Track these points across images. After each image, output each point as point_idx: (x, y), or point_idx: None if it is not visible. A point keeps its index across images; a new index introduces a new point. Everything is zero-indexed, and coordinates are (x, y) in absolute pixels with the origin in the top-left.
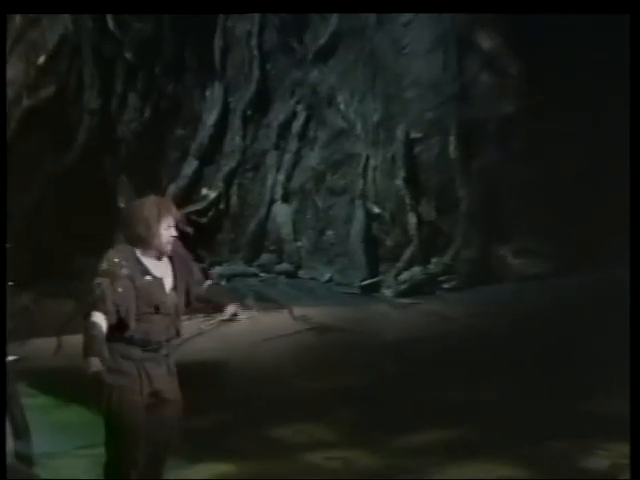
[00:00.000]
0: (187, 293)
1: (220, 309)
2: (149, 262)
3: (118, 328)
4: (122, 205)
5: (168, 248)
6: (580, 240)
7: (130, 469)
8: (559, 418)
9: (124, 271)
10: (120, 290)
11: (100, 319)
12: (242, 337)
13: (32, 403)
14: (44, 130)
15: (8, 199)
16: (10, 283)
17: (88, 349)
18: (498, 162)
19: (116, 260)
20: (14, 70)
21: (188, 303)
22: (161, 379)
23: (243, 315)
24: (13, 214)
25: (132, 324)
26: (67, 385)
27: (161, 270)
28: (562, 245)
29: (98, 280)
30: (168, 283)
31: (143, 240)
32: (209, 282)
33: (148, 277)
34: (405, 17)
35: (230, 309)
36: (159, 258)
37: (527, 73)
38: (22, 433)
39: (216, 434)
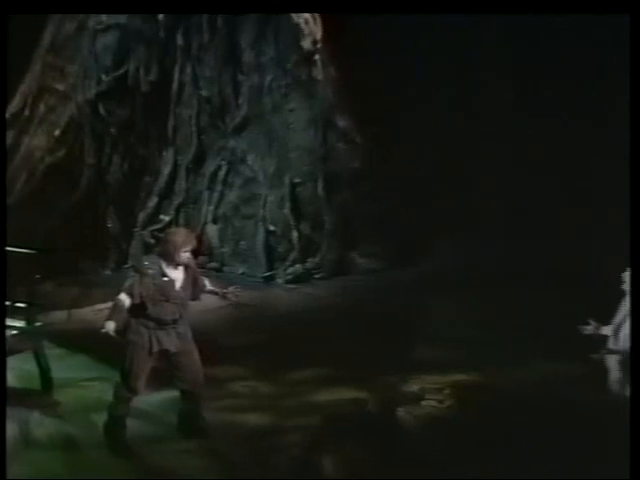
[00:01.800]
0: (192, 292)
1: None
2: (168, 269)
3: (141, 307)
4: (110, 225)
5: (184, 262)
6: (399, 247)
7: (130, 392)
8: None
9: (149, 271)
10: (145, 282)
11: (124, 297)
12: (193, 308)
13: (51, 353)
14: (59, 177)
15: (35, 218)
16: (37, 276)
17: (109, 315)
18: (349, 198)
19: (146, 264)
20: (40, 140)
21: (194, 298)
22: (169, 342)
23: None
24: (39, 232)
25: (149, 306)
26: (75, 341)
27: (175, 275)
28: (388, 250)
29: (132, 273)
30: (178, 284)
31: (168, 255)
32: (207, 283)
33: (165, 278)
34: (291, 105)
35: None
36: (176, 267)
37: (367, 143)
38: (46, 373)
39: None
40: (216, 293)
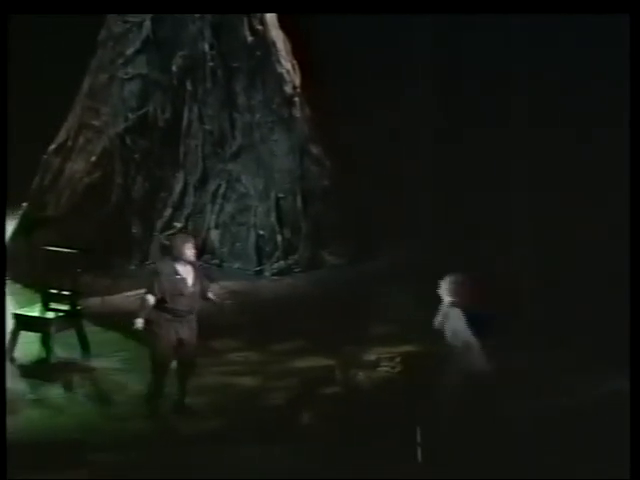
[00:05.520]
0: (200, 289)
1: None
2: (180, 268)
3: (162, 302)
4: (134, 231)
5: (190, 260)
6: (358, 247)
7: (163, 375)
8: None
9: (165, 272)
10: (163, 281)
11: (150, 297)
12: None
13: (89, 330)
14: (95, 194)
15: (76, 225)
16: (78, 270)
17: (138, 313)
18: (320, 209)
19: (161, 265)
20: (80, 165)
21: (202, 296)
22: (184, 332)
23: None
24: (80, 237)
25: (168, 300)
26: (107, 321)
27: (186, 272)
28: (350, 249)
29: (152, 276)
30: (190, 280)
31: (176, 257)
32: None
33: (178, 276)
34: (275, 137)
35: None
36: (185, 265)
37: (334, 166)
38: (86, 347)
39: None
40: (213, 302)
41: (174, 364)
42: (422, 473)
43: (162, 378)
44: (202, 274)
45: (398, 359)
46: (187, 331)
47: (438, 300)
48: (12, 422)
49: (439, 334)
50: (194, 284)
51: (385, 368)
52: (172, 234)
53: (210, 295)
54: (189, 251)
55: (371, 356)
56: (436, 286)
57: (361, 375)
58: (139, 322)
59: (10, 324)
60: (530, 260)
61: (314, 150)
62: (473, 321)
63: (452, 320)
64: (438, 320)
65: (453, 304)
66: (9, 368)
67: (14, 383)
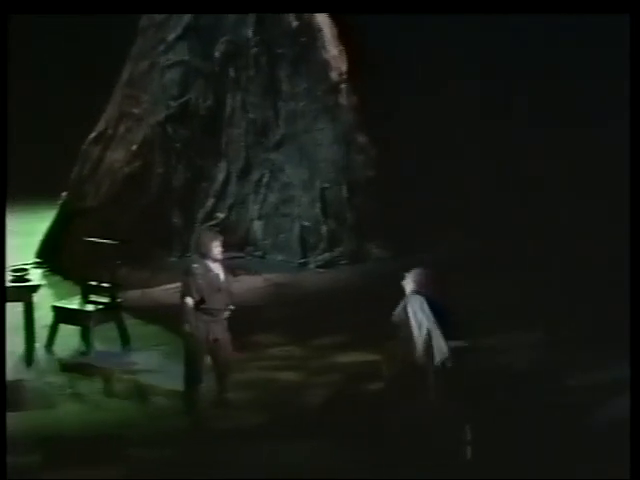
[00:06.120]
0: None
1: None
2: (211, 265)
3: (200, 302)
4: (175, 221)
5: (219, 257)
6: (403, 240)
7: (199, 375)
8: None
9: (199, 271)
10: (199, 282)
11: (190, 301)
12: (243, 286)
13: (128, 323)
14: (135, 183)
15: (116, 216)
16: (118, 262)
17: (184, 319)
18: (366, 200)
19: (195, 266)
20: (120, 154)
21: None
22: (218, 331)
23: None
24: (119, 227)
25: (207, 300)
26: (146, 314)
27: (217, 269)
28: (395, 242)
29: (186, 278)
30: (222, 276)
31: (205, 254)
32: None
33: (211, 273)
34: (320, 125)
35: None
36: (214, 262)
37: (380, 155)
38: (126, 341)
39: None
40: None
41: (209, 360)
42: (471, 472)
43: (198, 375)
44: (229, 271)
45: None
46: (221, 329)
47: (486, 294)
48: (50, 416)
49: (399, 325)
50: (226, 280)
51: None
52: (215, 225)
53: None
54: (217, 249)
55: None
56: (483, 281)
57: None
58: (187, 327)
59: (50, 316)
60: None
61: (360, 139)
62: (435, 310)
63: (414, 308)
64: (398, 311)
65: (416, 293)
66: (48, 361)
67: (53, 377)
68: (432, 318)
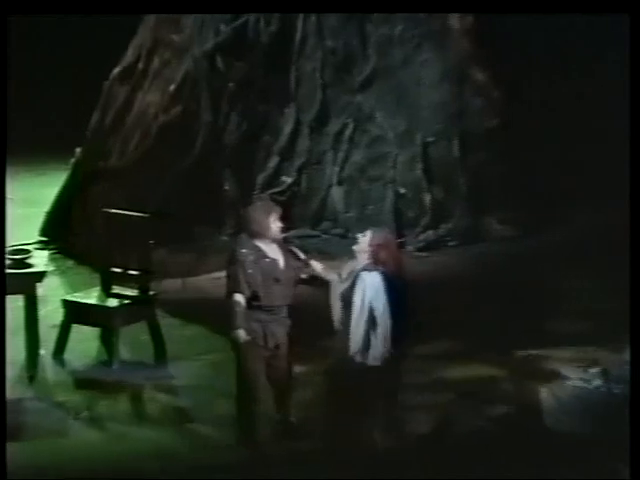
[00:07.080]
0: (294, 271)
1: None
2: (266, 247)
3: (252, 299)
4: (227, 188)
5: (278, 236)
6: (537, 214)
7: (255, 393)
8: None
9: (250, 257)
10: (250, 271)
11: (240, 298)
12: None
13: (165, 323)
14: (174, 137)
15: (148, 180)
16: (151, 242)
17: (234, 322)
18: (485, 160)
19: (243, 251)
20: (154, 96)
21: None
22: (280, 334)
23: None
24: (153, 196)
25: (261, 295)
26: (189, 310)
27: (275, 252)
28: (527, 216)
29: (232, 268)
30: (281, 262)
31: (258, 233)
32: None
33: (267, 259)
34: (423, 57)
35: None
36: (270, 244)
37: (505, 98)
38: (161, 347)
39: None
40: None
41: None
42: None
43: (255, 393)
44: (291, 254)
45: (595, 369)
46: (282, 332)
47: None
48: (60, 447)
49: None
50: (287, 266)
51: (576, 382)
52: (279, 193)
53: (318, 270)
54: (274, 225)
55: (555, 364)
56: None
57: (542, 391)
58: (241, 334)
59: (59, 314)
60: None
61: (477, 76)
62: (392, 287)
63: (368, 285)
64: (344, 286)
65: (371, 267)
66: (58, 374)
67: (64, 395)
68: (387, 308)
